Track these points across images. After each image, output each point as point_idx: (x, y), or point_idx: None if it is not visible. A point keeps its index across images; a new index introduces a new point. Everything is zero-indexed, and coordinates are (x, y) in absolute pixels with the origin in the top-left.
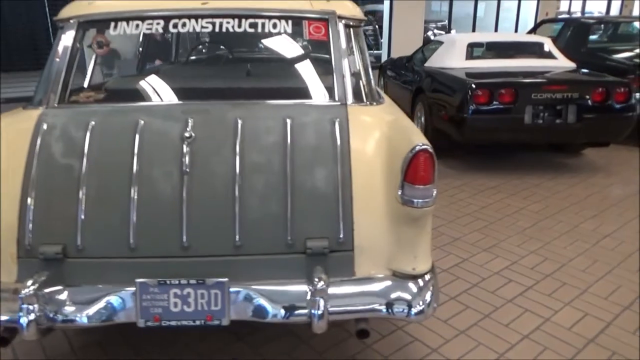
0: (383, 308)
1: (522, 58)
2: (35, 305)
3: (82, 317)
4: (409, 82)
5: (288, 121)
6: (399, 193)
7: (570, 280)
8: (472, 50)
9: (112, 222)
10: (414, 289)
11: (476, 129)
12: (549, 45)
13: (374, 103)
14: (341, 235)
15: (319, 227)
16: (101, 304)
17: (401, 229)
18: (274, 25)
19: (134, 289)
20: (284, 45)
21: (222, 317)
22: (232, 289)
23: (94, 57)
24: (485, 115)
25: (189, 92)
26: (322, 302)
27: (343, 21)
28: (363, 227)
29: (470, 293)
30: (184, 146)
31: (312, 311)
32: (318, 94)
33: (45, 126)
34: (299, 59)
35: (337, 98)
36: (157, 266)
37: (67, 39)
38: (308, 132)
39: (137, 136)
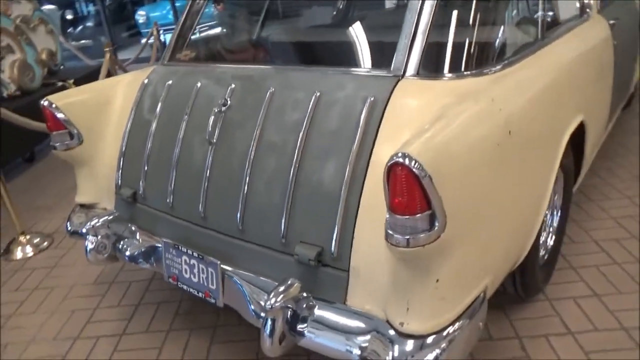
0: (357, 358)
1: None
2: (95, 238)
3: (126, 255)
4: None
5: (315, 96)
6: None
7: None
8: None
9: (162, 179)
10: (396, 351)
11: None
12: None
13: (477, 73)
14: (333, 249)
15: (315, 233)
16: (143, 249)
17: (398, 264)
18: None
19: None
20: None
21: (217, 297)
22: (227, 273)
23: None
24: None
25: (262, 55)
26: (269, 322)
27: None
28: (364, 246)
29: None
30: (217, 115)
31: (263, 328)
32: (380, 60)
33: (146, 81)
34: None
35: (392, 67)
36: (183, 230)
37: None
38: (333, 112)
39: (191, 100)
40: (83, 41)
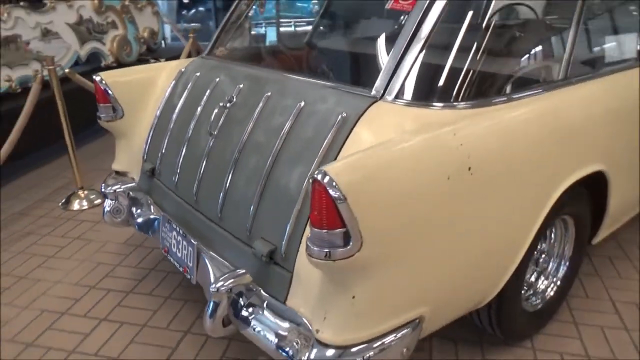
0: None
1: None
2: (112, 202)
3: (136, 222)
4: None
5: (299, 105)
6: None
7: None
8: None
9: (173, 159)
10: (312, 355)
11: None
12: None
13: (450, 106)
14: (283, 249)
15: (273, 231)
16: (149, 219)
17: (323, 275)
18: None
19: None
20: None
21: (192, 275)
22: (201, 254)
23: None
24: None
25: (279, 60)
26: (212, 304)
27: None
28: None
29: None
30: (221, 109)
31: (206, 308)
32: (368, 80)
33: (183, 70)
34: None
35: (374, 88)
36: (182, 209)
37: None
38: (311, 122)
39: (207, 92)
40: (193, 24)
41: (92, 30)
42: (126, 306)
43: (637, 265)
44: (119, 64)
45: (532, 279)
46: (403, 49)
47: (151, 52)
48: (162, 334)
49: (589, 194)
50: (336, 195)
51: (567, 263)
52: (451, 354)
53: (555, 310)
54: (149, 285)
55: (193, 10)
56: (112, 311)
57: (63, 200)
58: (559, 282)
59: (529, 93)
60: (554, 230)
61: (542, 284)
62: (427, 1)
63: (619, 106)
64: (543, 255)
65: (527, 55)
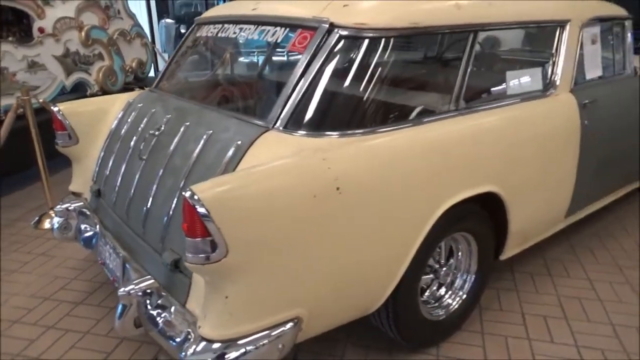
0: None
1: None
2: (61, 219)
3: (81, 238)
4: None
5: (207, 134)
6: None
7: None
8: None
9: (113, 181)
10: (196, 348)
11: None
12: None
13: (326, 135)
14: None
15: (179, 243)
16: (91, 235)
17: (203, 278)
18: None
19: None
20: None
21: (119, 284)
22: (126, 265)
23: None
24: None
25: (202, 94)
26: (120, 306)
27: (343, 32)
28: None
29: None
30: (151, 137)
31: (116, 310)
32: (266, 111)
33: (130, 101)
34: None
35: (267, 119)
36: (117, 225)
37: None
38: (214, 149)
39: (144, 121)
40: None
41: (78, 61)
42: (75, 316)
43: (557, 282)
44: (104, 93)
45: (442, 292)
46: (293, 85)
47: (139, 81)
48: (102, 340)
49: (489, 213)
50: (200, 210)
51: (473, 277)
52: (361, 357)
53: (462, 321)
54: (99, 297)
55: None
56: (61, 320)
57: (35, 220)
58: (464, 296)
59: (404, 124)
60: (459, 246)
61: (449, 298)
62: (314, 48)
63: (513, 134)
64: (444, 269)
65: (407, 88)
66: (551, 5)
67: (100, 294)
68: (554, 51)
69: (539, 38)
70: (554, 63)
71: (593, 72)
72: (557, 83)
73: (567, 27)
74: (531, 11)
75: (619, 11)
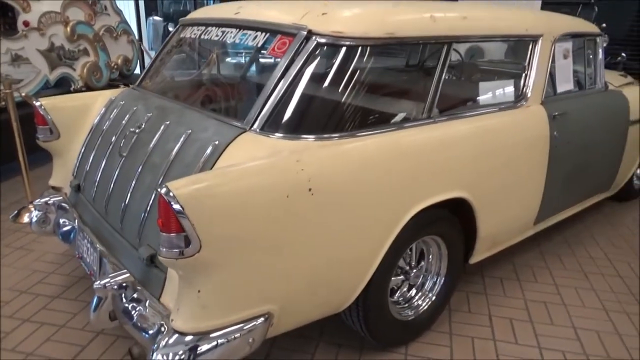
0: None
1: None
2: (40, 212)
3: (59, 232)
4: None
5: (187, 133)
6: None
7: None
8: None
9: (93, 177)
10: (168, 341)
11: None
12: None
13: (301, 138)
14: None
15: (156, 238)
16: (69, 229)
17: (177, 272)
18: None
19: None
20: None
21: (96, 277)
22: (103, 259)
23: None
24: None
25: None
26: (95, 299)
27: (321, 39)
28: None
29: None
30: (131, 134)
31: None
32: (245, 113)
33: (113, 98)
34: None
35: (245, 121)
36: (96, 220)
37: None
38: (193, 148)
39: (125, 119)
40: None
41: (63, 56)
42: (51, 309)
43: (525, 287)
44: (89, 88)
45: (412, 293)
46: (270, 89)
47: (124, 78)
48: (77, 334)
49: (459, 219)
50: (175, 207)
51: (443, 280)
52: (332, 355)
53: (431, 322)
54: (76, 292)
55: None
56: (37, 313)
57: (14, 213)
58: (434, 298)
59: (378, 129)
60: (430, 249)
61: (419, 299)
62: (292, 54)
63: (484, 143)
64: (415, 271)
65: (383, 95)
66: (525, 20)
67: (78, 289)
68: (526, 64)
69: (513, 51)
70: (526, 75)
71: (564, 85)
72: (529, 95)
73: (540, 42)
74: (505, 25)
75: (591, 28)
